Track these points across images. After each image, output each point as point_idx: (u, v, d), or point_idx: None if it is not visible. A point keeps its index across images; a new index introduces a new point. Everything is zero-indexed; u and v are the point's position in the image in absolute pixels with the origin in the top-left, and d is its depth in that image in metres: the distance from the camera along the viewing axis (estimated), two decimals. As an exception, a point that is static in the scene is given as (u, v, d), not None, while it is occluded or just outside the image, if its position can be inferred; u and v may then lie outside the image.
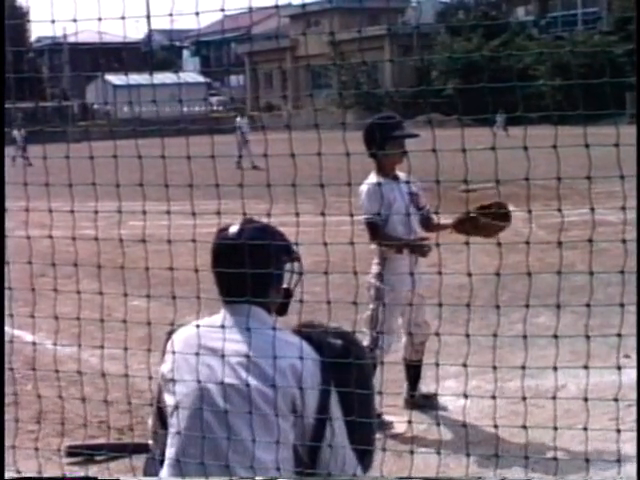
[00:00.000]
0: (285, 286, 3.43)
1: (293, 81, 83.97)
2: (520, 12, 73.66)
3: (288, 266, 3.42)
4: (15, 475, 3.85)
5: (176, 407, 3.22)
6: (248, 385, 3.12)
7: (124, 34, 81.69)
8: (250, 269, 3.16)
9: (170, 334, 3.42)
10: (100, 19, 3.77)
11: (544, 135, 3.54)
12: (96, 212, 3.82)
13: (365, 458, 3.40)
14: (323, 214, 3.22)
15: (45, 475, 4.57)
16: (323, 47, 65.95)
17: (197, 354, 3.19)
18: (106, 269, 3.84)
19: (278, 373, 3.12)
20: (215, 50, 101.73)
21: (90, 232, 4.01)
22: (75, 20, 3.80)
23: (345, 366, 3.18)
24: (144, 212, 3.67)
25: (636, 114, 3.24)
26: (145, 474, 3.53)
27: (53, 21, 3.81)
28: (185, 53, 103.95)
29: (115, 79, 70.19)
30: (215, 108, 74.72)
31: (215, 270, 3.31)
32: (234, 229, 3.34)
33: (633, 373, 3.93)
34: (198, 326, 3.28)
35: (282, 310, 3.42)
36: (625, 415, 6.13)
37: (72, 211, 3.88)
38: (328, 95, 66.81)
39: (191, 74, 75.78)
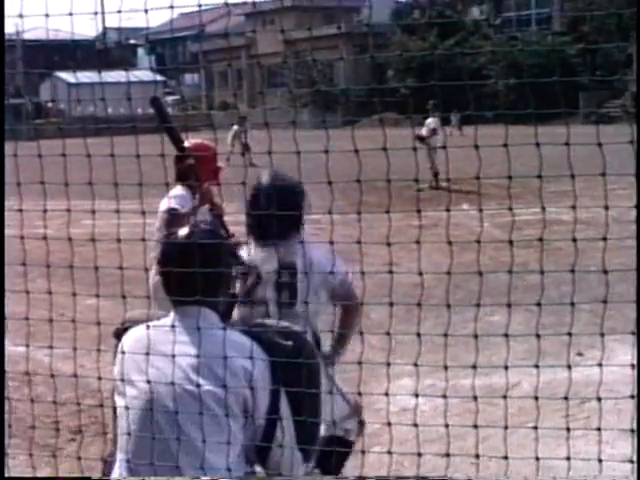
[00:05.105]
0: (231, 291, 3.44)
1: (248, 80, 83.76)
2: (475, 12, 73.99)
3: (234, 270, 3.44)
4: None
5: (126, 408, 3.20)
6: (199, 386, 3.11)
7: (78, 32, 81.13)
8: (201, 271, 3.16)
9: (118, 335, 3.40)
10: (47, 15, 3.75)
11: (499, 134, 3.56)
12: (45, 211, 3.79)
13: (309, 457, 3.43)
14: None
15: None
16: (278, 46, 65.86)
17: (147, 354, 3.18)
18: (60, 268, 3.81)
19: (230, 374, 3.12)
20: (170, 48, 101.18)
21: (45, 231, 3.98)
22: (21, 16, 3.77)
23: (295, 367, 3.19)
24: (93, 211, 3.65)
25: (635, 115, 3.26)
26: (104, 476, 3.51)
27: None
28: (140, 51, 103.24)
29: (69, 77, 69.59)
30: (170, 107, 74.32)
31: (164, 272, 3.30)
32: (183, 232, 3.34)
33: (585, 370, 3.97)
34: (148, 327, 3.26)
35: (227, 314, 3.42)
36: (577, 412, 6.19)
37: (21, 210, 3.85)
38: (283, 94, 66.76)
39: (146, 72, 75.31)
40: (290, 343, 3.31)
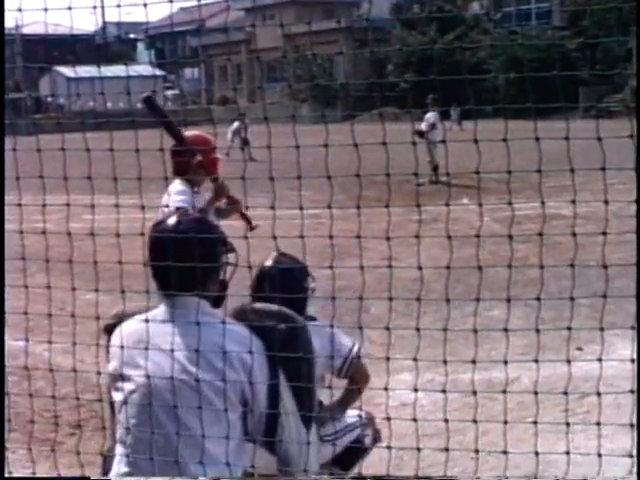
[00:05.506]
0: (221, 278, 3.43)
1: (248, 74, 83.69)
2: (475, 6, 73.93)
3: (224, 257, 3.43)
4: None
5: (124, 403, 3.20)
6: (197, 379, 3.11)
7: (77, 26, 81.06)
8: (189, 261, 3.14)
9: (108, 330, 3.40)
10: (47, 9, 3.75)
11: (498, 129, 3.55)
12: (44, 205, 3.79)
13: (309, 425, 3.45)
14: (273, 207, 3.22)
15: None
16: (278, 40, 65.83)
17: (143, 349, 3.17)
18: (60, 263, 3.80)
19: (226, 364, 3.11)
20: (170, 43, 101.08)
21: (44, 226, 3.98)
22: (20, 10, 3.76)
23: (291, 347, 3.23)
24: (92, 206, 3.65)
25: (635, 109, 3.26)
26: (104, 471, 3.51)
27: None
28: (139, 46, 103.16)
29: (69, 71, 69.61)
30: (170, 102, 74.23)
31: (153, 263, 3.28)
32: (171, 222, 3.32)
33: (585, 365, 3.96)
34: (144, 320, 3.25)
35: (218, 302, 3.41)
36: (576, 407, 6.19)
37: (20, 204, 3.85)
38: (283, 89, 66.74)
39: (146, 67, 75.15)
40: (283, 326, 3.32)
